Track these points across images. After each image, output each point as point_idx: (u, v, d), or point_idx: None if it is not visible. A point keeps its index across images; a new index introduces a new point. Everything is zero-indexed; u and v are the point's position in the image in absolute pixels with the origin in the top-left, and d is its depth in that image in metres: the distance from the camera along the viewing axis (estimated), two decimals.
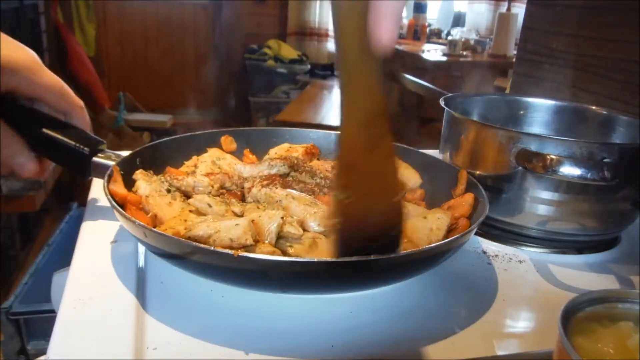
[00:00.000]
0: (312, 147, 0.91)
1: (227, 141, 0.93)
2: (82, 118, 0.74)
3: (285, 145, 0.93)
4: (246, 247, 0.60)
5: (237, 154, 0.93)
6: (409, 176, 0.86)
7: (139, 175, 0.76)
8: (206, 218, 0.66)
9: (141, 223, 0.59)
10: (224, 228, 0.61)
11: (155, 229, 0.59)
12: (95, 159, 0.73)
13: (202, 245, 0.56)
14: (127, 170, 0.75)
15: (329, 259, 0.58)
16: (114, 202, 0.64)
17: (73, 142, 0.70)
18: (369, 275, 0.59)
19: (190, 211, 0.69)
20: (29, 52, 0.66)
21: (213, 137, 0.93)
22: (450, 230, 0.71)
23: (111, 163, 0.73)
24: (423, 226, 0.69)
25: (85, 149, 0.71)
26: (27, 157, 0.67)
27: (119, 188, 0.71)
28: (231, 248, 0.59)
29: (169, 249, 0.59)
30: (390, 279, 0.63)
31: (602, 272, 0.77)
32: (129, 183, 0.75)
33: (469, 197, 0.75)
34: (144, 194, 0.73)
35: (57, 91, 0.68)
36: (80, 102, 0.72)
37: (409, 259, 0.59)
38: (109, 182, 0.70)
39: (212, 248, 0.55)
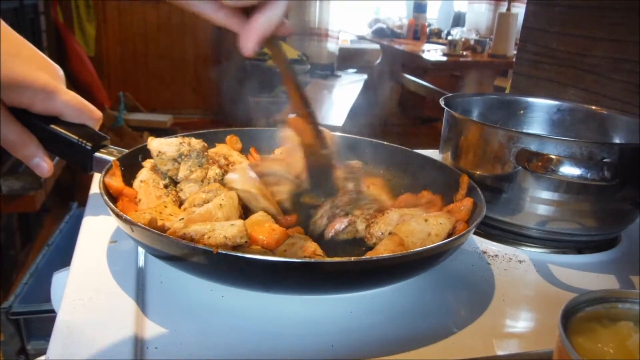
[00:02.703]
0: None
1: (233, 141, 0.93)
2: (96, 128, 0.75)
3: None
4: (240, 246, 0.61)
5: (243, 152, 0.93)
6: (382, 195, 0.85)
7: (148, 163, 0.78)
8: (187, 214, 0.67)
9: (128, 217, 0.59)
10: (219, 227, 0.61)
11: (130, 218, 0.59)
12: (97, 154, 0.73)
13: (182, 241, 0.56)
14: (128, 166, 0.76)
15: (311, 259, 0.58)
16: (105, 196, 0.64)
17: (76, 137, 0.70)
18: (363, 277, 0.59)
19: (165, 207, 0.70)
20: (51, 68, 0.66)
21: (216, 136, 0.93)
22: (449, 235, 0.71)
23: (113, 158, 0.73)
24: (421, 230, 0.69)
25: (88, 144, 0.71)
26: (42, 157, 0.68)
27: (116, 182, 0.71)
28: (226, 246, 0.59)
29: (152, 244, 0.59)
30: (388, 279, 0.63)
31: (602, 272, 0.77)
32: (130, 180, 0.75)
33: (468, 202, 0.74)
34: (140, 179, 0.74)
35: (74, 108, 0.69)
36: (98, 114, 0.73)
37: (406, 260, 0.59)
38: (105, 174, 0.70)
39: (192, 244, 0.55)
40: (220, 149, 0.89)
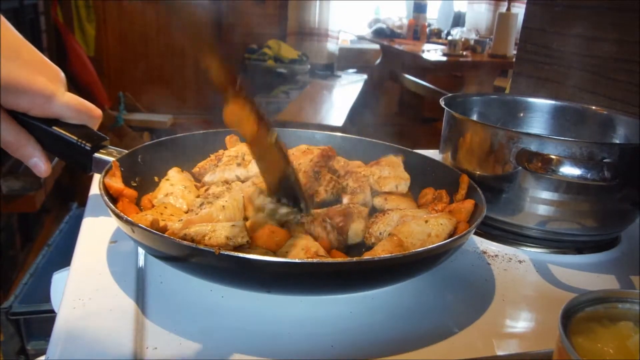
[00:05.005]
0: (329, 149, 0.91)
1: (232, 140, 0.93)
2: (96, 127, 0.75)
3: (303, 147, 0.93)
4: (242, 247, 0.61)
5: None
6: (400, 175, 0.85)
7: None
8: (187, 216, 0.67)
9: (129, 218, 0.59)
10: (220, 227, 0.61)
11: (132, 219, 0.59)
12: (96, 154, 0.73)
13: (184, 242, 0.56)
14: (128, 166, 0.75)
15: (313, 260, 0.58)
16: (106, 197, 0.64)
17: (75, 138, 0.70)
18: (364, 277, 0.59)
19: (166, 207, 0.71)
20: (51, 71, 0.65)
21: (216, 136, 0.93)
22: (450, 235, 0.71)
23: (112, 159, 0.73)
24: (421, 231, 0.69)
25: (87, 144, 0.71)
26: (39, 157, 0.68)
27: (116, 182, 0.71)
28: (227, 247, 0.59)
29: (153, 245, 0.59)
30: (388, 280, 0.62)
31: (602, 272, 0.77)
32: (130, 179, 0.75)
33: (469, 204, 0.74)
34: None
35: (73, 110, 0.69)
36: (98, 113, 0.73)
37: (407, 261, 0.59)
38: (105, 175, 0.70)
39: (194, 245, 0.55)
40: (240, 148, 0.89)
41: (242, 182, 0.81)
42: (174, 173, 0.80)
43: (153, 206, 0.74)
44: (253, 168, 0.83)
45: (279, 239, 0.65)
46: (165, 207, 0.71)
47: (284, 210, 0.72)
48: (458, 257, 0.76)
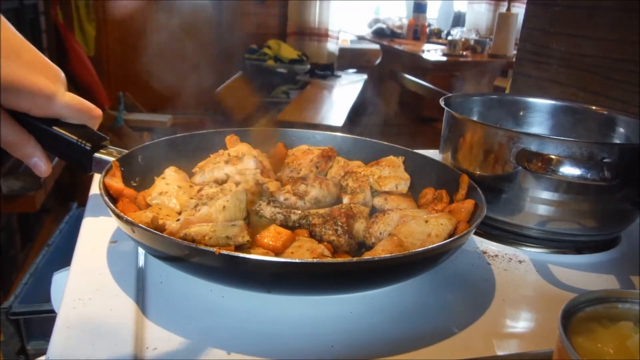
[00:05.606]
0: (329, 149, 0.91)
1: (232, 140, 0.93)
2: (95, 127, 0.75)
3: (303, 147, 0.93)
4: (242, 246, 0.61)
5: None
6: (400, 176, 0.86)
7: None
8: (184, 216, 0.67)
9: (129, 218, 0.59)
10: (220, 227, 0.61)
11: (131, 219, 0.59)
12: (97, 154, 0.73)
13: (184, 242, 0.56)
14: (128, 166, 0.76)
15: (313, 260, 0.58)
16: (106, 197, 0.64)
17: (75, 138, 0.71)
18: (364, 277, 0.59)
19: (160, 209, 0.71)
20: (52, 71, 0.65)
21: (216, 136, 0.93)
22: (450, 235, 0.70)
23: (112, 159, 0.73)
24: (421, 231, 0.69)
25: (88, 144, 0.71)
26: (40, 157, 0.68)
27: (116, 182, 0.71)
28: (228, 246, 0.59)
29: (153, 245, 0.59)
30: (389, 280, 0.62)
31: (602, 272, 0.77)
32: (130, 179, 0.75)
33: (469, 204, 0.74)
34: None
35: (73, 110, 0.69)
36: (98, 112, 0.72)
37: (407, 260, 0.59)
38: (105, 175, 0.70)
39: (194, 245, 0.55)
40: (240, 148, 0.89)
41: (235, 183, 0.81)
42: (170, 172, 0.80)
43: (148, 205, 0.73)
44: (241, 165, 0.83)
45: (285, 239, 0.65)
46: (160, 209, 0.71)
47: (294, 217, 0.72)
48: (458, 257, 0.76)
